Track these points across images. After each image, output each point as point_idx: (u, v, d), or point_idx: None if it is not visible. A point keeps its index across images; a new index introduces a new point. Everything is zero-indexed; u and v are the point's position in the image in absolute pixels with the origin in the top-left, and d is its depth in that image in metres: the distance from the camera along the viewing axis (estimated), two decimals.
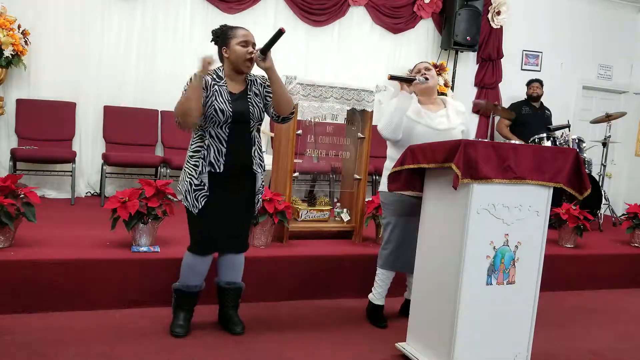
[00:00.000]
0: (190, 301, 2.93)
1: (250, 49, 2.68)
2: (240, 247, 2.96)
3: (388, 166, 3.20)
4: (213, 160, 2.71)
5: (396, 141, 3.06)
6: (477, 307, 2.51)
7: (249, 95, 2.77)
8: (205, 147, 2.72)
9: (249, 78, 2.82)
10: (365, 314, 3.34)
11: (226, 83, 2.74)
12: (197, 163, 2.73)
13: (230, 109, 2.68)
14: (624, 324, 3.76)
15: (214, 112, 2.67)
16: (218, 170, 2.72)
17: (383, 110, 3.13)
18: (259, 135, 2.86)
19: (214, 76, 2.73)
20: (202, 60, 2.58)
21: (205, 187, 2.73)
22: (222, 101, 2.68)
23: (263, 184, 2.96)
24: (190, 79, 2.64)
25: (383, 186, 3.17)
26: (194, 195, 2.74)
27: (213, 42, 2.80)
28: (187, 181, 2.76)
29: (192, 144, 2.78)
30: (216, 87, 2.71)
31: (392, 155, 3.13)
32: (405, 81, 3.03)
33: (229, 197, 2.79)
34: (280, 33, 2.56)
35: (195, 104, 2.61)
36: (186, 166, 2.78)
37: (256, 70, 2.74)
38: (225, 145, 2.72)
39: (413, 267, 3.10)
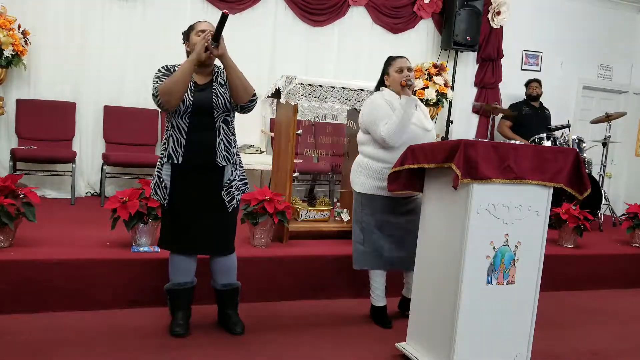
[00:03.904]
0: (185, 299, 2.91)
1: (207, 37, 2.65)
2: (220, 249, 2.85)
3: (362, 163, 3.17)
4: (172, 152, 2.71)
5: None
6: (477, 307, 2.51)
7: (214, 85, 2.76)
8: (167, 138, 2.73)
9: (216, 70, 2.81)
10: (370, 316, 3.34)
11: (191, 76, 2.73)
12: (161, 155, 2.76)
13: (191, 98, 2.68)
14: (624, 324, 3.76)
15: None
16: (177, 162, 2.70)
17: (377, 115, 3.05)
18: (229, 128, 2.80)
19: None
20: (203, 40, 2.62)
21: (168, 179, 2.73)
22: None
23: (243, 179, 2.87)
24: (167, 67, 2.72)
25: (355, 185, 3.17)
26: (162, 187, 2.76)
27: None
28: (155, 174, 2.80)
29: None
30: None
31: (370, 153, 3.12)
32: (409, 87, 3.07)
33: (193, 191, 2.74)
34: (224, 17, 2.53)
35: (182, 87, 2.62)
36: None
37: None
38: (184, 137, 2.70)
39: (402, 264, 3.14)
